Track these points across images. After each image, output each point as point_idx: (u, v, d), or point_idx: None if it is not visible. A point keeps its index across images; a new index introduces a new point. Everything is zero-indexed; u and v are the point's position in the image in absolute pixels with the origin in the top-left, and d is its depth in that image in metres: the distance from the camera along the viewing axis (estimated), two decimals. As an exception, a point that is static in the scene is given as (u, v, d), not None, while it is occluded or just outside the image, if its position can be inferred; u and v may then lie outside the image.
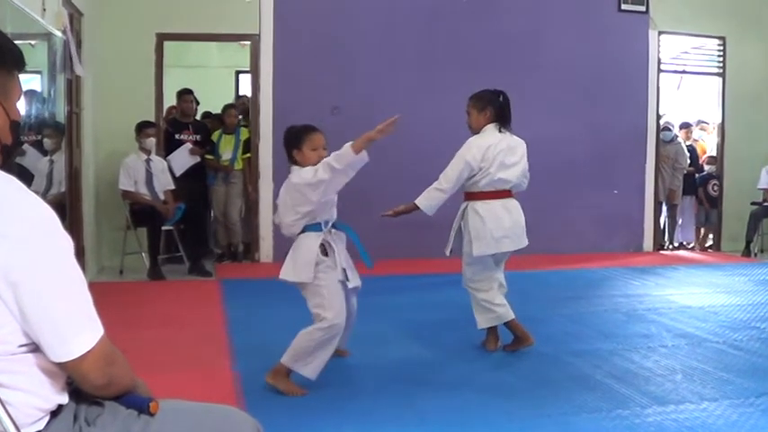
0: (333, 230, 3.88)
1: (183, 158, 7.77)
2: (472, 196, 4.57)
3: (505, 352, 4.60)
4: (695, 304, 6.01)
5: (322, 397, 3.71)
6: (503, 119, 4.63)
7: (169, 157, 7.68)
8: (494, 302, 4.53)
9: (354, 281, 3.92)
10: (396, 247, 7.40)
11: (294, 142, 3.87)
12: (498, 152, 4.49)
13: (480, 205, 4.50)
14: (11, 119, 1.59)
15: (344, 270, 3.86)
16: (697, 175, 9.93)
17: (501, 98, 4.67)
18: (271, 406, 3.53)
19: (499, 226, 4.46)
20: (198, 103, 8.26)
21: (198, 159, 7.86)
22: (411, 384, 3.93)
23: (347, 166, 3.66)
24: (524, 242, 4.59)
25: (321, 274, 3.75)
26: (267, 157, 8.03)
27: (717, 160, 9.80)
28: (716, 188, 9.73)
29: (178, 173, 7.67)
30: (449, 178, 4.53)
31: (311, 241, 3.79)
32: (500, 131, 4.58)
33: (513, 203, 4.59)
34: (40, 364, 1.49)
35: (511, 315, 4.57)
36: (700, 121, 10.65)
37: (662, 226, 9.78)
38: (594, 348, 4.68)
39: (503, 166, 4.50)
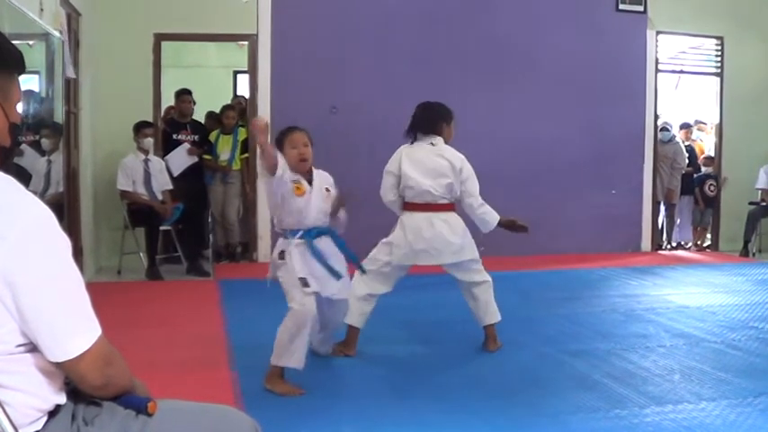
0: (304, 240, 3.84)
1: (181, 158, 7.77)
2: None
3: (489, 352, 4.59)
4: (693, 304, 6.01)
5: (320, 397, 3.71)
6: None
7: (167, 156, 7.68)
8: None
9: (326, 291, 3.86)
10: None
11: (278, 146, 3.90)
12: None
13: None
14: (10, 121, 1.59)
15: (310, 278, 3.79)
16: (695, 175, 9.93)
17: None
18: (269, 406, 3.53)
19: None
20: (194, 103, 8.26)
21: (195, 159, 7.85)
22: (409, 384, 3.94)
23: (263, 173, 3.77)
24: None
25: (280, 272, 3.85)
26: (265, 158, 8.02)
27: (714, 161, 9.81)
28: (712, 188, 9.74)
29: (176, 173, 7.66)
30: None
31: (279, 245, 3.93)
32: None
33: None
34: (37, 364, 1.49)
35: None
36: (697, 122, 10.65)
37: (660, 226, 9.79)
38: (592, 348, 4.68)
39: None
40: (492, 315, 4.62)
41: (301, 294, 3.74)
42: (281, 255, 3.85)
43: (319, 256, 3.83)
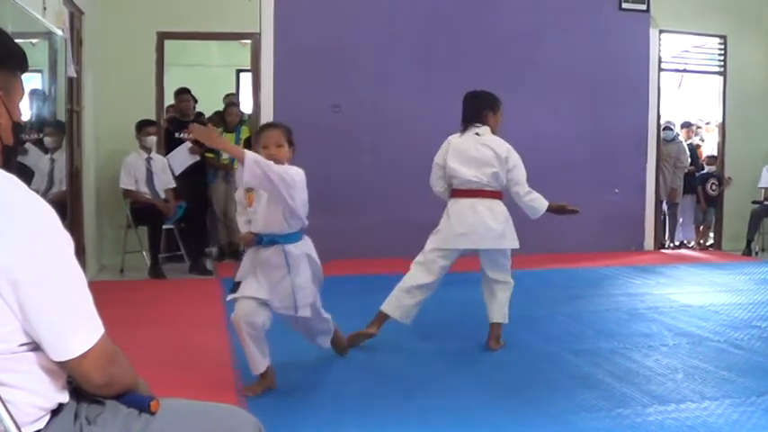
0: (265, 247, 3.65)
1: (183, 156, 7.76)
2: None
3: (491, 350, 4.61)
4: (696, 303, 6.00)
5: (323, 396, 3.71)
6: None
7: (168, 155, 7.68)
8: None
9: (273, 303, 3.64)
10: (397, 246, 7.39)
11: (256, 143, 3.74)
12: None
13: None
14: (13, 119, 1.59)
15: (248, 283, 3.65)
16: (696, 174, 9.91)
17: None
18: (272, 405, 3.53)
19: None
20: (196, 101, 8.25)
21: (197, 158, 7.85)
22: (412, 383, 3.93)
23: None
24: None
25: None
26: (268, 156, 8.02)
27: (716, 159, 9.80)
28: (714, 187, 9.72)
29: (177, 171, 7.66)
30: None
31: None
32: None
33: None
34: (40, 362, 1.49)
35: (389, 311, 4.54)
36: (701, 122, 10.64)
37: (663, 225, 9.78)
38: (595, 347, 4.68)
39: None
40: (503, 316, 4.65)
41: (239, 304, 3.62)
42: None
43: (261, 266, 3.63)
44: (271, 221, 3.61)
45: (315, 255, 3.78)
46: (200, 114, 9.10)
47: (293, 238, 3.67)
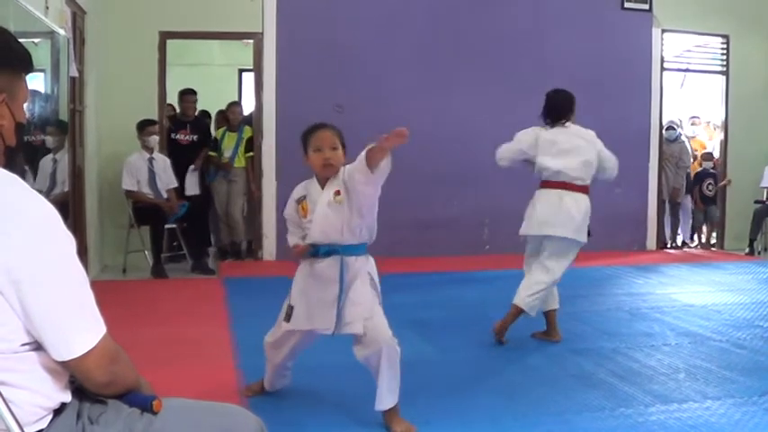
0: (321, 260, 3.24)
1: (193, 178, 7.78)
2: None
3: (507, 345, 4.68)
4: (698, 303, 6.00)
5: (325, 395, 3.71)
6: None
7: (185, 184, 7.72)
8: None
9: (315, 323, 3.29)
10: (400, 245, 7.40)
11: (303, 146, 3.28)
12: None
13: None
14: (16, 120, 1.59)
15: (299, 309, 3.31)
16: (690, 173, 9.85)
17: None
18: (274, 404, 3.53)
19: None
20: (196, 102, 8.25)
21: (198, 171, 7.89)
22: (414, 382, 3.93)
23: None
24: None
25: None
26: (270, 156, 8.04)
27: (712, 156, 9.79)
28: (711, 187, 9.68)
29: (193, 191, 7.69)
30: None
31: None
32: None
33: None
34: (42, 362, 1.49)
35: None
36: (692, 117, 10.64)
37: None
38: (597, 347, 4.68)
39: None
40: (523, 301, 4.68)
41: (279, 322, 3.42)
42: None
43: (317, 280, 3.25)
44: (330, 230, 3.18)
45: (376, 277, 3.32)
46: (207, 114, 9.11)
47: (357, 250, 3.24)
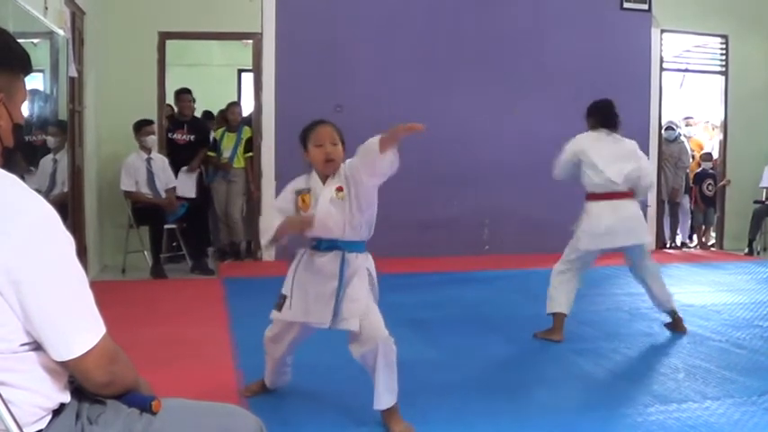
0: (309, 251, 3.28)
1: (188, 181, 7.74)
2: None
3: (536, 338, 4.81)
4: (698, 303, 6.00)
5: (324, 395, 3.71)
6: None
7: (178, 183, 7.65)
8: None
9: (311, 316, 3.26)
10: (400, 245, 7.40)
11: (302, 143, 3.29)
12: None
13: None
14: (14, 121, 1.59)
15: (294, 300, 3.28)
16: (688, 173, 9.86)
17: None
18: (273, 404, 3.53)
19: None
20: (194, 101, 8.24)
21: (197, 172, 7.85)
22: (413, 383, 3.93)
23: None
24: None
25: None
26: (269, 156, 8.04)
27: (711, 156, 9.79)
28: (710, 187, 9.69)
29: (189, 195, 7.65)
30: None
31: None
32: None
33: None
34: (42, 362, 1.49)
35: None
36: (686, 117, 10.64)
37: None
38: (597, 347, 4.68)
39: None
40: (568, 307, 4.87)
41: (275, 316, 3.39)
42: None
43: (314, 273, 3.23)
44: (333, 225, 3.17)
45: (375, 274, 3.30)
46: (210, 114, 9.10)
47: (357, 246, 3.25)
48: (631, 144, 4.95)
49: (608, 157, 4.78)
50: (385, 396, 3.24)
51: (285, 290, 3.31)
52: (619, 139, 4.91)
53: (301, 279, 3.28)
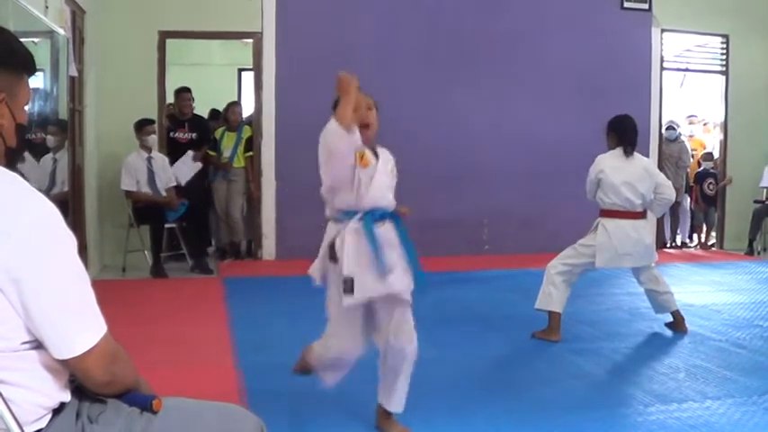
0: (362, 224, 3.05)
1: (187, 167, 7.73)
2: None
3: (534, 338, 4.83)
4: (698, 302, 6.00)
5: (325, 395, 3.70)
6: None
7: (173, 167, 7.62)
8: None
9: (377, 290, 3.02)
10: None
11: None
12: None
13: None
14: (16, 121, 1.59)
15: (361, 279, 3.00)
16: (688, 172, 9.85)
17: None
18: (274, 404, 3.52)
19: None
20: (193, 100, 8.23)
21: (200, 166, 7.84)
22: (413, 382, 3.92)
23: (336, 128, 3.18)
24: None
25: (332, 285, 3.11)
26: (270, 156, 8.04)
27: (712, 156, 9.79)
28: (711, 187, 9.68)
29: (183, 182, 7.63)
30: None
31: (329, 232, 3.13)
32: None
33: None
34: (42, 361, 1.49)
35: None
36: (689, 116, 10.63)
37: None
38: (597, 346, 4.68)
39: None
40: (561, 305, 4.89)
41: (345, 335, 3.15)
42: (333, 252, 3.05)
43: (376, 246, 3.00)
44: (385, 193, 3.14)
45: None
46: (217, 112, 9.07)
47: (395, 216, 3.20)
48: (647, 162, 5.04)
49: (627, 176, 4.82)
50: (403, 400, 3.23)
51: (348, 272, 2.99)
52: (638, 157, 4.95)
53: (359, 254, 3.01)
